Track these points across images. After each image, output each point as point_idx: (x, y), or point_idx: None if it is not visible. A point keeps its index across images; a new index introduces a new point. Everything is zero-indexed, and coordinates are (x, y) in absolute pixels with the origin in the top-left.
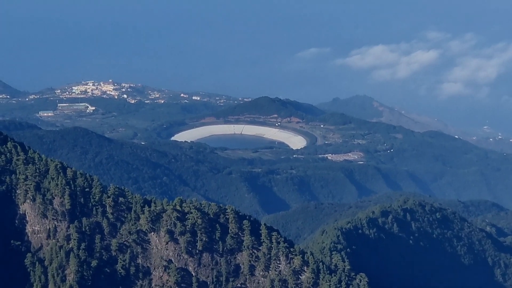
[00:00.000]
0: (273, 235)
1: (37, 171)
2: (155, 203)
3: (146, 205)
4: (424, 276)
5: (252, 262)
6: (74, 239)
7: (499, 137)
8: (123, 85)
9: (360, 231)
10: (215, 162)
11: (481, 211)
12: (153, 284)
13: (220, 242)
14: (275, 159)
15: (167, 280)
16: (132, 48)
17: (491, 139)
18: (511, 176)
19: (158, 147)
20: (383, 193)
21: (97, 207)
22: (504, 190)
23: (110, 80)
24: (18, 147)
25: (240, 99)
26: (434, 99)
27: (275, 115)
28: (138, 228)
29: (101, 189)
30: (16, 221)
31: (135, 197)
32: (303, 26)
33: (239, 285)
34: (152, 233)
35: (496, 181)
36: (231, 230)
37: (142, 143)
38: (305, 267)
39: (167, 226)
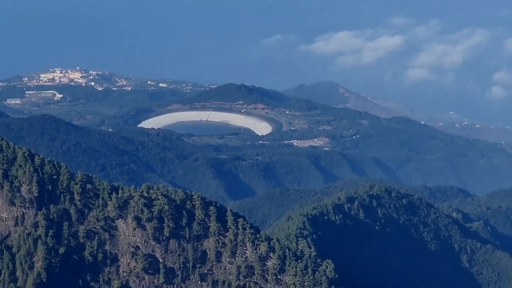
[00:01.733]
0: (239, 222)
1: (5, 158)
2: (122, 189)
3: (113, 192)
4: (390, 262)
5: (218, 248)
6: (42, 226)
7: (465, 122)
8: (91, 72)
9: (326, 217)
10: (181, 149)
11: (448, 197)
12: (120, 271)
13: (186, 229)
14: (241, 146)
15: (135, 266)
16: (99, 36)
17: (457, 125)
18: (477, 161)
19: (126, 134)
20: (349, 179)
21: (64, 194)
22: (471, 175)
23: (77, 68)
24: None
25: (206, 86)
26: (400, 85)
27: (241, 102)
28: (105, 215)
29: (69, 176)
30: None
31: (103, 184)
32: (267, 13)
33: (206, 271)
34: (120, 219)
35: (463, 166)
36: (197, 216)
37: (110, 130)
38: (271, 254)
39: (134, 212)
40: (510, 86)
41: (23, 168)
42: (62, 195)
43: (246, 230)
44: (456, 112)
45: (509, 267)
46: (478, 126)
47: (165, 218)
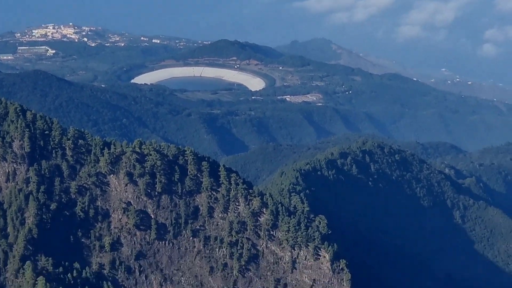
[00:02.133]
0: (232, 177)
1: None
2: (114, 145)
3: (105, 147)
4: (383, 218)
5: (211, 204)
6: (34, 182)
7: (457, 79)
8: (84, 28)
9: (319, 172)
10: (174, 104)
11: (440, 153)
12: (112, 227)
13: (179, 184)
14: (234, 101)
15: (126, 222)
16: None
17: (449, 81)
18: (469, 118)
19: (118, 89)
20: (342, 134)
21: (56, 149)
22: (463, 132)
23: (70, 24)
24: None
25: (199, 42)
26: (392, 42)
27: (234, 58)
28: (97, 171)
29: (61, 131)
30: None
31: (95, 139)
32: None
33: (198, 227)
34: (112, 175)
35: (455, 123)
36: (190, 172)
37: (102, 85)
38: (264, 209)
39: (126, 168)
40: (502, 44)
41: (14, 124)
42: (54, 151)
43: (238, 186)
44: (448, 69)
45: (501, 224)
46: (470, 83)
47: (157, 173)
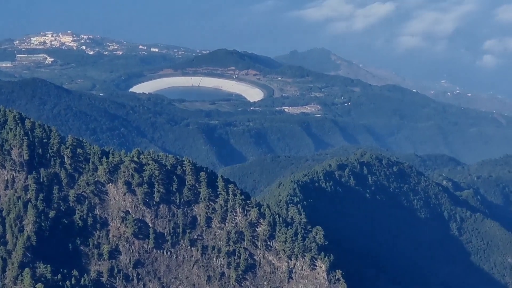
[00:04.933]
0: (229, 187)
1: None
2: (113, 154)
3: (104, 156)
4: (380, 230)
5: (208, 214)
6: (32, 190)
7: (457, 91)
8: (82, 36)
9: (316, 184)
10: (172, 114)
11: (438, 165)
12: (110, 235)
13: (177, 194)
14: (233, 111)
15: (125, 231)
16: None
17: (448, 93)
18: (468, 130)
19: (116, 98)
20: (340, 146)
21: (55, 157)
22: (461, 144)
23: (69, 31)
24: None
25: (198, 51)
26: (392, 53)
27: (233, 68)
28: (96, 179)
29: (59, 140)
30: None
31: (93, 148)
32: None
33: (195, 236)
34: (110, 184)
35: (453, 135)
36: (188, 182)
37: (101, 94)
38: (262, 220)
39: (124, 177)
40: (501, 55)
41: (13, 132)
42: (52, 159)
43: (236, 196)
44: (447, 80)
45: (498, 236)
46: (469, 94)
47: (155, 183)
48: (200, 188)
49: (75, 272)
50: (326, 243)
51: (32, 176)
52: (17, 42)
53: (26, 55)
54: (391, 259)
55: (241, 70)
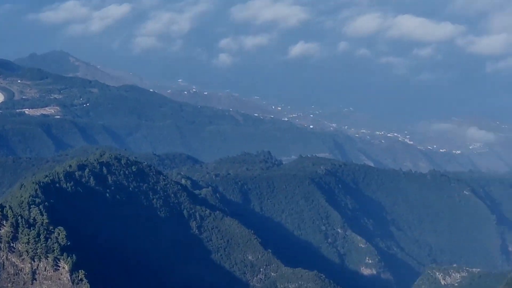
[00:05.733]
0: None
1: None
2: None
3: None
4: (121, 229)
5: None
6: None
7: (194, 90)
8: None
9: (57, 184)
10: None
11: (177, 164)
12: None
13: None
14: None
15: None
16: None
17: (185, 92)
18: (205, 128)
19: None
20: (80, 146)
21: None
22: (199, 142)
23: None
24: None
25: None
26: (129, 53)
27: None
28: None
29: None
30: None
31: None
32: None
33: None
34: None
35: (191, 133)
36: None
37: None
38: (4, 221)
39: None
40: (237, 53)
41: None
42: None
43: None
44: (184, 79)
45: (238, 234)
46: (206, 93)
47: None
48: None
49: None
50: (68, 244)
51: None
52: None
53: None
54: (133, 259)
55: None
